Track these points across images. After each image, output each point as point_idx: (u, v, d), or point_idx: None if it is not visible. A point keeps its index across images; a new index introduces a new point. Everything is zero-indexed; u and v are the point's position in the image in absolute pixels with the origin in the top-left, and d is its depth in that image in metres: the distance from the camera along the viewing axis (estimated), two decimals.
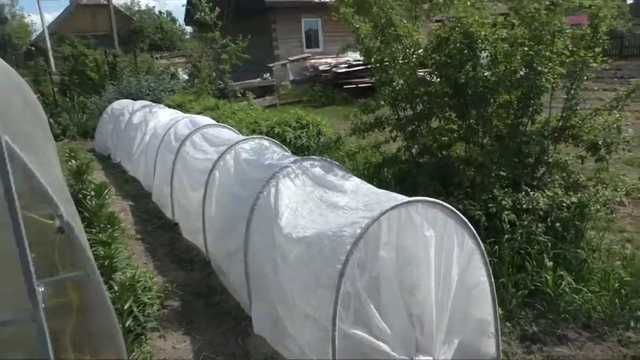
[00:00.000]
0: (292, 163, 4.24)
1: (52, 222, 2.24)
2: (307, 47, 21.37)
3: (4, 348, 2.09)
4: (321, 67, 18.37)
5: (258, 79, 17.76)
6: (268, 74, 18.24)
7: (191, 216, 5.68)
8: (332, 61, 18.49)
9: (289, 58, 19.11)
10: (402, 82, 5.23)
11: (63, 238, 2.24)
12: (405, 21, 5.34)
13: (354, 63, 17.16)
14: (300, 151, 7.97)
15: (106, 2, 30.21)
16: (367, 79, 16.14)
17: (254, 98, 14.10)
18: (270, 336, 3.73)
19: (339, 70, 17.52)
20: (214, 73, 15.36)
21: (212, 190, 5.14)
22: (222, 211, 4.89)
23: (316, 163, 4.31)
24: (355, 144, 6.65)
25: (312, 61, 19.10)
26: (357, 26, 5.37)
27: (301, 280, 3.32)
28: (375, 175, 5.86)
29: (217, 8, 14.19)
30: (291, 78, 18.43)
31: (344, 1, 5.38)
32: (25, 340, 2.05)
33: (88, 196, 5.11)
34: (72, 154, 6.85)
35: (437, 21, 5.82)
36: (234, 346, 3.92)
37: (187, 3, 25.79)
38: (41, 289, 1.91)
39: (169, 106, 11.34)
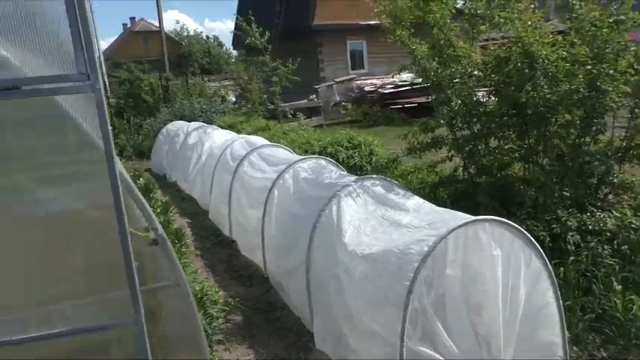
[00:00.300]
0: (353, 182, 4.31)
1: (146, 234, 2.40)
2: (352, 69, 21.69)
3: (107, 348, 2.25)
4: (367, 88, 18.59)
5: (305, 100, 18.10)
6: (314, 95, 18.57)
7: (249, 233, 5.82)
8: (377, 82, 18.69)
9: (335, 80, 19.42)
10: (459, 101, 5.25)
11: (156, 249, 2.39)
12: (461, 42, 5.39)
13: (400, 84, 17.25)
14: (352, 170, 8.04)
15: (157, 29, 31.64)
16: (413, 100, 16.17)
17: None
18: (333, 351, 3.78)
19: (385, 91, 17.66)
20: (265, 95, 15.78)
21: (271, 208, 5.27)
22: (282, 229, 5.00)
23: (377, 182, 4.36)
24: (410, 164, 6.68)
25: (358, 82, 19.36)
26: (414, 48, 5.45)
27: (367, 296, 3.36)
28: (430, 195, 5.85)
29: (267, 33, 14.65)
30: (337, 99, 18.71)
31: (401, 24, 5.48)
32: (123, 340, 2.20)
33: (155, 213, 5.34)
34: (136, 173, 7.17)
35: (493, 39, 5.82)
36: None
37: (235, 28, 26.69)
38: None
39: (221, 127, 11.70)
